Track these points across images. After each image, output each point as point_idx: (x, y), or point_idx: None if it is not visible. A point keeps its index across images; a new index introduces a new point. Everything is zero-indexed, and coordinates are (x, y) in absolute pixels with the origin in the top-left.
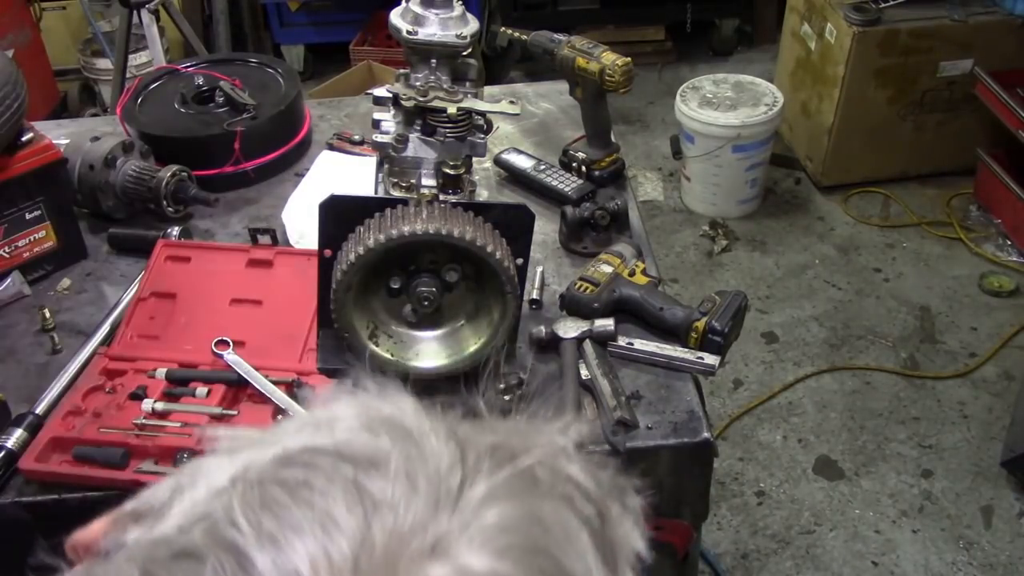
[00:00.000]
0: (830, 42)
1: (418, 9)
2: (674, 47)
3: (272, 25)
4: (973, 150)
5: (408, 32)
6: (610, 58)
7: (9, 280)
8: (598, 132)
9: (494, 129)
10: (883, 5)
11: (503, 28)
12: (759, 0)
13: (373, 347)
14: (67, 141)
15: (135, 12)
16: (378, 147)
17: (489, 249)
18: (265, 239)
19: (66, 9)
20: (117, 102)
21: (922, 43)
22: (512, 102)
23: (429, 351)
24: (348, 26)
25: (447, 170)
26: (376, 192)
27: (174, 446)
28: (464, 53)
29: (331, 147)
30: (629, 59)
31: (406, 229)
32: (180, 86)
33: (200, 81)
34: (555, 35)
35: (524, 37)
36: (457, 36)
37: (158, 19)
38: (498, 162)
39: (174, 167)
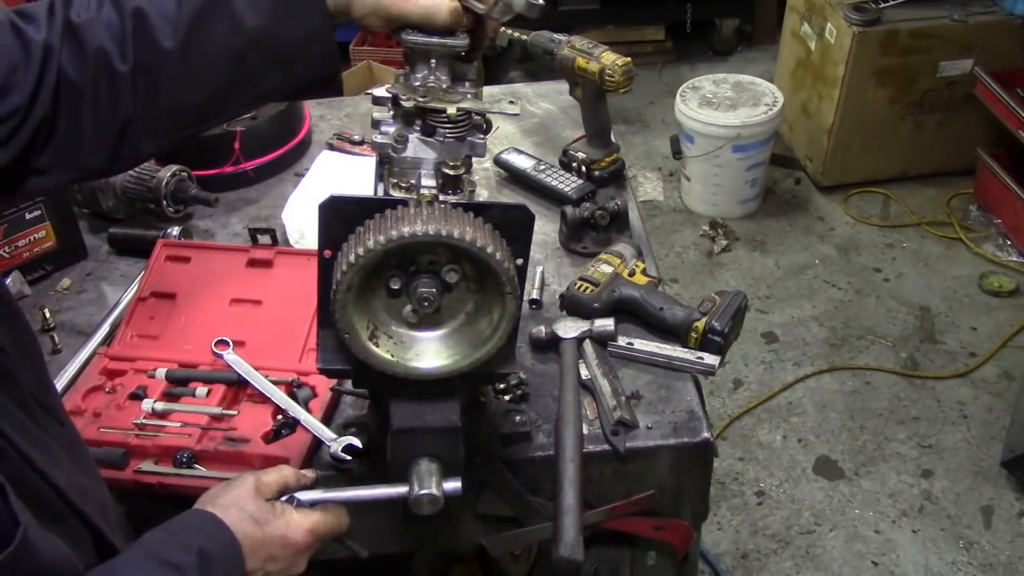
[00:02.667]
0: (830, 42)
1: None
2: (674, 47)
3: None
4: (973, 150)
5: (406, 32)
6: (610, 58)
7: (9, 280)
8: (598, 132)
9: (494, 129)
10: (883, 5)
11: (503, 28)
12: (759, 0)
13: (373, 348)
14: None
15: None
16: (378, 147)
17: (489, 250)
18: (265, 239)
19: None
20: None
21: (922, 43)
22: (512, 102)
23: (429, 351)
24: (348, 26)
25: (447, 170)
26: (376, 192)
27: (174, 446)
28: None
29: (331, 147)
30: (629, 59)
31: (406, 230)
32: None
33: None
34: (555, 35)
35: (524, 37)
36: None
37: None
38: (498, 162)
39: (174, 167)
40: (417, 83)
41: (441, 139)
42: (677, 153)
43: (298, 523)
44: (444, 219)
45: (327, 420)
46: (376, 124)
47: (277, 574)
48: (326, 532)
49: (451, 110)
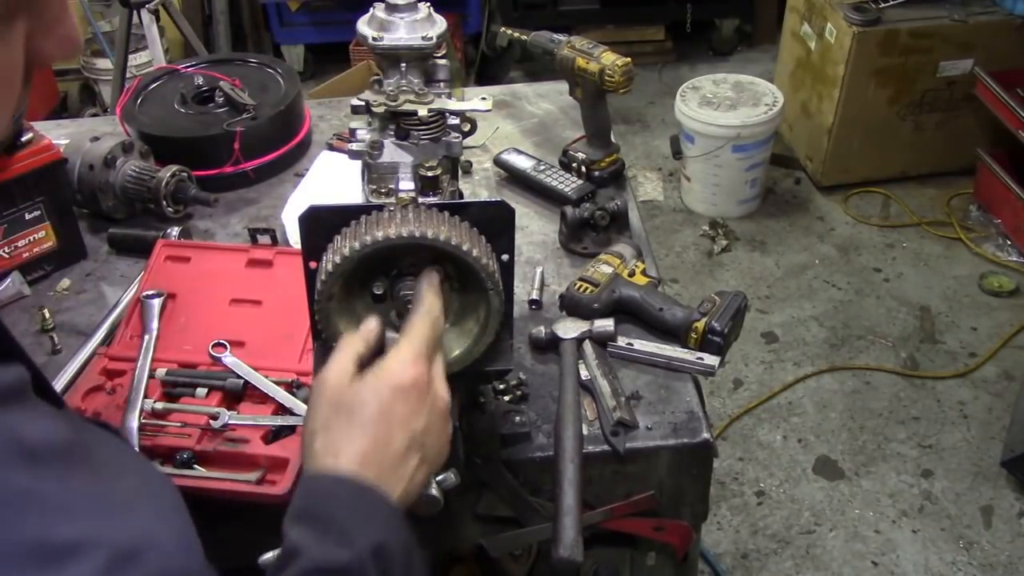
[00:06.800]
0: (830, 42)
1: (383, 15)
2: (674, 47)
3: (272, 25)
4: (973, 150)
5: (374, 39)
6: (610, 58)
7: (9, 280)
8: (598, 132)
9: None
10: (883, 5)
11: (503, 28)
12: (759, 0)
13: None
14: (67, 141)
15: (135, 12)
16: (355, 155)
17: (465, 248)
18: (265, 239)
19: None
20: (117, 102)
21: (922, 43)
22: (483, 99)
23: None
24: (348, 26)
25: (424, 172)
26: (365, 200)
27: (174, 446)
28: (437, 54)
29: (331, 147)
30: (629, 59)
31: (379, 234)
32: (180, 86)
33: (200, 81)
34: (555, 35)
35: (524, 37)
36: (423, 38)
37: (158, 19)
38: (498, 162)
39: (174, 167)
40: (389, 88)
41: (415, 142)
42: (677, 153)
43: (393, 371)
44: (418, 221)
45: None
46: (353, 132)
47: (430, 432)
48: (432, 341)
49: (422, 111)
